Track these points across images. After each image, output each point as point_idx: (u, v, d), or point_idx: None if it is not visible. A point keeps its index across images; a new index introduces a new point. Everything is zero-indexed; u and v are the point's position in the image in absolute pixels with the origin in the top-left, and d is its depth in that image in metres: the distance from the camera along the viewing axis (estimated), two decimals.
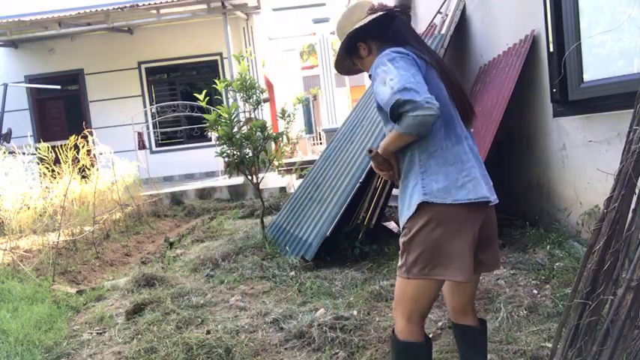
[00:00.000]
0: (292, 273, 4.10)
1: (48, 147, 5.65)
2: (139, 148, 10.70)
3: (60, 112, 12.44)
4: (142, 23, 10.76)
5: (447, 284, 1.93)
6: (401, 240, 1.79)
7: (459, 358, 2.08)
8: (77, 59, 11.87)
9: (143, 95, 12.09)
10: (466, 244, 1.71)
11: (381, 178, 4.40)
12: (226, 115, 4.92)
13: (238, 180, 8.81)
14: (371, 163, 1.85)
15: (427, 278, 1.72)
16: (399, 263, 1.80)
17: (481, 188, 1.73)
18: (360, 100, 5.72)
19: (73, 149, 5.58)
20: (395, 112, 1.64)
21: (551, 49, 3.53)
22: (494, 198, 1.81)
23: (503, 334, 2.67)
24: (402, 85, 1.60)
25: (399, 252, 1.80)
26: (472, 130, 1.94)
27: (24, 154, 5.99)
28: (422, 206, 1.71)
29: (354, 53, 1.93)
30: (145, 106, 11.99)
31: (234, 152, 5.05)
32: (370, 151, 1.80)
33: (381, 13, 1.83)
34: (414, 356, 1.83)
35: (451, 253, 1.70)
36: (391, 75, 1.65)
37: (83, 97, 12.06)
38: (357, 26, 1.84)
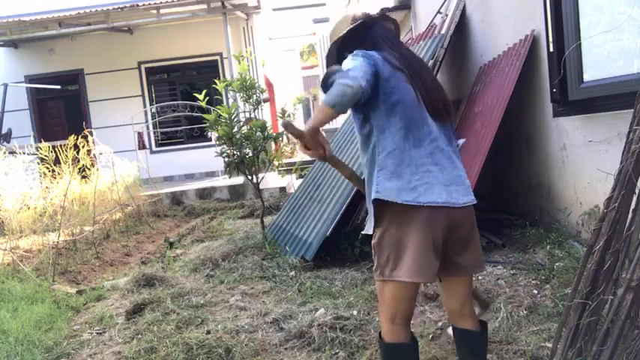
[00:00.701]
0: (292, 273, 4.10)
1: (48, 147, 5.65)
2: (139, 148, 10.70)
3: (60, 112, 12.43)
4: (142, 23, 10.75)
5: (442, 289, 1.98)
6: (372, 242, 1.84)
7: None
8: (77, 59, 11.86)
9: (143, 95, 12.09)
10: (419, 246, 1.72)
11: None
12: (226, 115, 4.92)
13: (238, 180, 8.80)
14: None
15: (405, 280, 1.74)
16: (374, 266, 1.84)
17: (432, 193, 1.74)
18: None
19: (73, 149, 5.58)
20: (326, 80, 1.69)
21: (551, 49, 3.53)
22: (465, 200, 1.81)
23: (503, 334, 2.67)
24: (349, 68, 1.70)
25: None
26: (451, 128, 1.94)
27: (24, 154, 5.99)
28: (382, 207, 1.76)
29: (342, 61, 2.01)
30: (145, 106, 11.99)
31: (234, 152, 5.05)
32: (286, 126, 1.72)
33: (359, 22, 1.93)
34: (400, 357, 1.85)
35: (405, 254, 1.73)
36: (349, 63, 1.75)
37: (83, 97, 12.05)
38: (337, 37, 1.96)
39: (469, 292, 1.95)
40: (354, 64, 1.73)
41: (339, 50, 1.98)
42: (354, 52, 1.82)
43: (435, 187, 1.75)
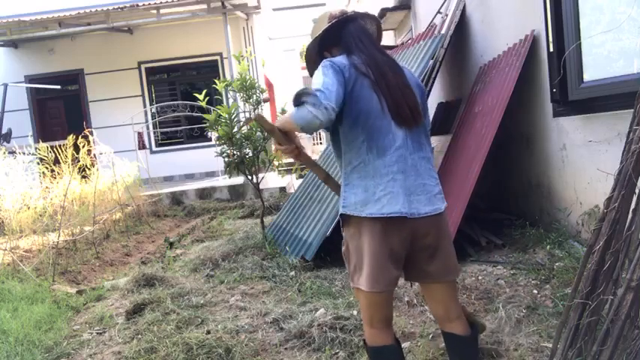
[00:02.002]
0: (292, 273, 4.10)
1: (48, 147, 5.65)
2: (139, 148, 10.70)
3: (60, 112, 12.43)
4: (142, 23, 10.75)
5: (424, 294, 2.02)
6: (342, 251, 1.90)
7: None
8: (77, 59, 11.86)
9: (143, 95, 12.08)
10: (375, 257, 1.75)
11: None
12: (226, 115, 4.92)
13: (238, 180, 8.80)
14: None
15: (372, 290, 1.77)
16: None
17: (396, 203, 1.74)
18: None
19: (73, 149, 5.58)
20: (298, 98, 1.68)
21: (551, 49, 3.53)
22: (427, 210, 1.79)
23: (503, 334, 2.67)
24: (319, 86, 1.70)
25: None
26: (423, 133, 1.90)
27: (24, 154, 5.99)
28: (346, 218, 1.82)
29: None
30: (145, 106, 11.99)
31: (234, 152, 5.05)
32: (258, 120, 1.74)
33: (333, 21, 1.92)
34: (383, 358, 1.89)
35: (365, 264, 1.77)
36: (319, 78, 1.74)
37: (83, 97, 12.05)
38: (310, 43, 1.98)
39: (451, 296, 1.93)
40: (324, 81, 1.71)
41: (319, 49, 2.00)
42: (323, 62, 1.80)
43: (399, 196, 1.76)
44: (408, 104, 1.82)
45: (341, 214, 1.83)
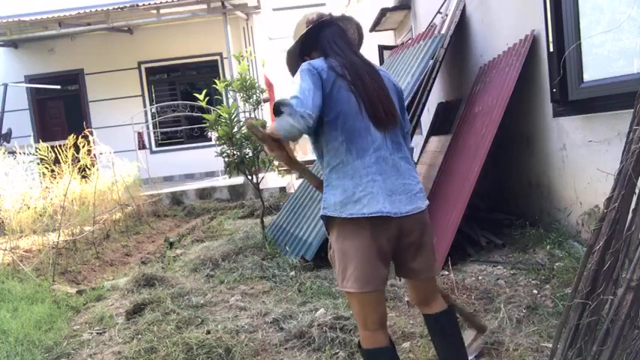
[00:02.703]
0: (292, 273, 4.10)
1: (48, 147, 5.65)
2: (139, 148, 10.70)
3: (60, 112, 12.43)
4: (142, 23, 10.76)
5: (405, 282, 2.07)
6: (329, 254, 1.91)
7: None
8: (77, 59, 11.86)
9: (143, 95, 12.09)
10: (364, 257, 1.76)
11: None
12: (226, 115, 4.92)
13: (238, 180, 8.80)
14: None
15: (360, 290, 1.78)
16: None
17: (377, 203, 1.75)
18: None
19: (73, 149, 5.58)
20: (277, 108, 1.70)
21: (551, 49, 3.53)
22: (408, 209, 1.81)
23: (503, 334, 2.67)
24: (296, 92, 1.72)
25: None
26: (401, 133, 1.93)
27: (23, 154, 5.99)
28: (328, 220, 1.83)
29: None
30: (145, 106, 11.99)
31: (234, 152, 5.05)
32: (250, 128, 1.76)
33: (309, 27, 1.96)
34: None
35: (352, 266, 1.78)
36: (296, 83, 1.77)
37: (83, 97, 12.05)
38: (290, 47, 2.01)
39: (433, 287, 2.01)
40: (301, 87, 1.74)
41: (299, 53, 2.03)
42: (301, 66, 1.83)
43: (379, 196, 1.76)
44: (383, 106, 1.84)
45: (322, 216, 1.84)
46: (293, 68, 2.02)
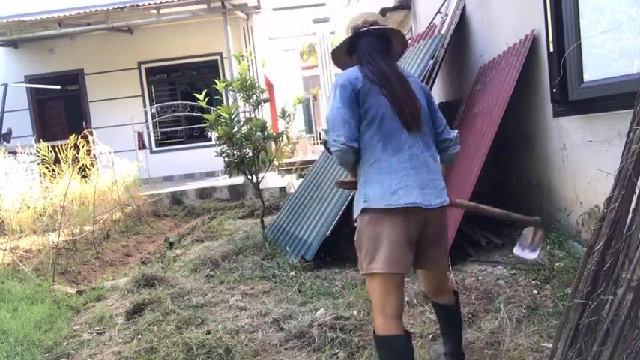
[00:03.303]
0: (292, 273, 4.10)
1: (48, 147, 5.64)
2: (139, 148, 10.70)
3: (60, 112, 12.43)
4: (142, 23, 10.75)
5: (419, 273, 2.34)
6: (355, 240, 2.08)
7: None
8: (77, 59, 11.86)
9: (143, 95, 12.08)
10: (395, 241, 1.95)
11: None
12: (226, 115, 4.92)
13: (238, 180, 8.80)
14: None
15: (383, 272, 1.95)
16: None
17: (411, 195, 1.96)
18: None
19: (73, 149, 5.58)
20: (326, 146, 2.14)
21: (551, 49, 3.53)
22: (437, 202, 2.01)
23: (503, 334, 2.67)
24: (329, 117, 2.05)
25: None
26: (441, 131, 2.21)
27: (27, 154, 5.98)
28: (364, 210, 2.02)
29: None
30: (145, 106, 11.99)
31: (234, 152, 5.04)
32: (340, 185, 2.25)
33: (349, 37, 2.22)
34: (393, 348, 1.96)
35: (383, 249, 1.95)
36: (330, 102, 2.07)
37: (83, 97, 12.05)
38: (338, 44, 2.27)
39: (444, 276, 2.29)
40: (334, 113, 2.02)
41: (346, 51, 2.28)
42: (335, 82, 2.10)
43: (413, 189, 1.97)
44: (410, 111, 2.05)
45: (362, 210, 2.02)
46: (338, 61, 2.33)
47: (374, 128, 2.01)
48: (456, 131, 2.30)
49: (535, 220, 2.81)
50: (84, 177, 6.35)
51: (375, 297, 1.99)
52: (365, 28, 2.19)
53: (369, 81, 2.05)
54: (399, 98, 2.04)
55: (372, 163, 2.01)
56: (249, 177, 5.17)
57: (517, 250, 2.92)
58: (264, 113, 11.19)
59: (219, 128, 4.94)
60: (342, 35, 2.34)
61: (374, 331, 2.00)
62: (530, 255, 2.83)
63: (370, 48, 2.16)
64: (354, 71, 2.10)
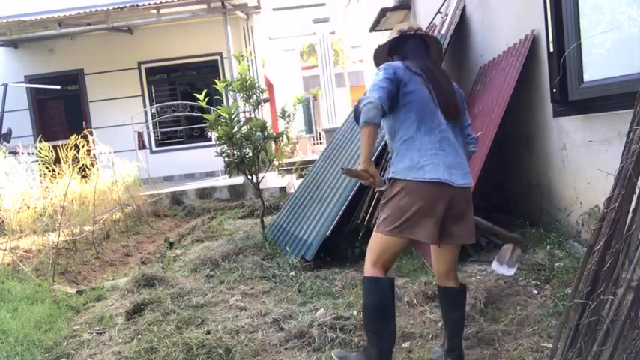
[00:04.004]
0: (292, 273, 4.10)
1: (48, 147, 5.64)
2: (139, 148, 10.70)
3: (60, 112, 12.42)
4: (142, 23, 10.74)
5: (432, 254, 2.46)
6: (381, 202, 2.33)
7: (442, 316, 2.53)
8: (77, 59, 11.85)
9: (143, 95, 12.08)
10: (427, 213, 2.17)
11: None
12: (226, 115, 4.92)
13: (238, 180, 8.80)
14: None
15: (396, 236, 2.21)
16: (377, 220, 2.34)
17: (437, 171, 2.19)
18: None
19: (73, 149, 5.58)
20: (356, 113, 2.24)
21: (551, 49, 3.53)
22: (462, 182, 2.23)
23: (503, 333, 2.67)
24: (370, 87, 2.27)
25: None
26: (467, 126, 2.48)
27: (28, 154, 5.98)
28: (394, 181, 2.26)
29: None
30: (145, 106, 11.98)
31: (234, 152, 5.04)
32: (347, 173, 2.34)
33: (397, 36, 2.48)
34: (376, 287, 2.27)
35: (416, 218, 2.18)
36: (376, 79, 2.29)
37: (83, 97, 12.05)
38: (381, 45, 2.56)
39: (455, 258, 2.42)
40: (374, 83, 2.24)
41: (388, 52, 2.55)
42: (383, 65, 2.34)
43: (440, 167, 2.20)
44: (455, 103, 2.34)
45: (390, 178, 2.27)
46: (378, 61, 2.57)
47: (412, 110, 2.24)
48: (480, 133, 2.52)
49: (516, 237, 2.96)
50: (84, 177, 6.34)
51: (375, 250, 2.28)
52: (412, 32, 2.46)
53: (410, 72, 2.30)
54: (444, 91, 2.31)
55: (405, 139, 2.25)
56: (249, 177, 5.17)
57: (494, 265, 3.11)
58: (264, 113, 11.19)
59: (219, 128, 4.94)
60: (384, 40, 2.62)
61: (364, 274, 2.29)
62: (507, 271, 2.99)
63: (417, 47, 2.45)
64: (397, 62, 2.35)
